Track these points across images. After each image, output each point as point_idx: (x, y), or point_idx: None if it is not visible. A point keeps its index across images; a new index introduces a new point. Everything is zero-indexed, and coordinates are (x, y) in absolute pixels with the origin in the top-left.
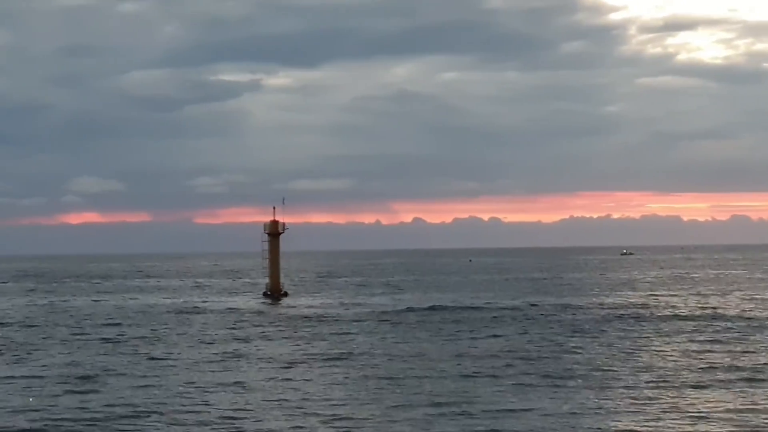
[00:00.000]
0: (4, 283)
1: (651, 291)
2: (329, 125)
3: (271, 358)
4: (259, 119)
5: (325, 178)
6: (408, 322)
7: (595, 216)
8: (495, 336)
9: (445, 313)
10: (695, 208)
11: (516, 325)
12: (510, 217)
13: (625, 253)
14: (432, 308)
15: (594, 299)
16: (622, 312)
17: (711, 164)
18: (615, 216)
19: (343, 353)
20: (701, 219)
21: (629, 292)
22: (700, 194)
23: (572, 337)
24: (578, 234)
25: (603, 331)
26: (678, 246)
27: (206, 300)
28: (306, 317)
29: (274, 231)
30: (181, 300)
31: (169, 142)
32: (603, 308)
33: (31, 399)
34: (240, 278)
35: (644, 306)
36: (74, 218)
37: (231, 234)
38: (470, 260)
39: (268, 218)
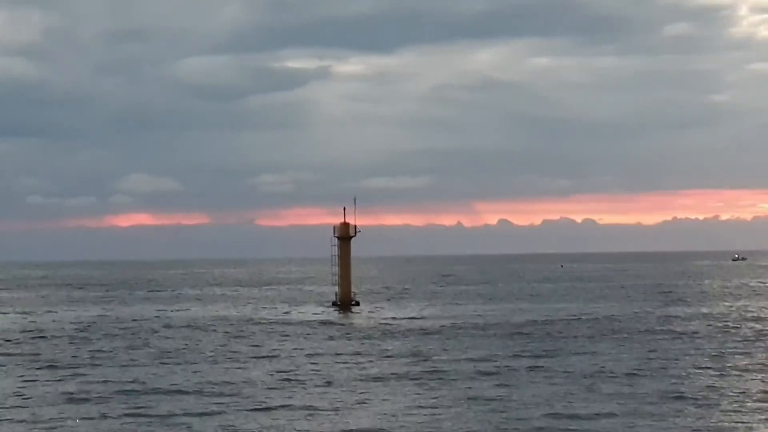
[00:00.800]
0: (43, 291)
1: None
2: (406, 117)
3: (344, 376)
4: (328, 110)
5: (401, 175)
6: (501, 335)
7: (701, 217)
8: (607, 353)
9: (546, 325)
10: None
11: (633, 341)
12: (606, 218)
13: (737, 258)
14: (531, 321)
15: (720, 310)
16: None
17: None
18: (723, 217)
19: (426, 371)
20: None
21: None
22: None
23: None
24: (682, 237)
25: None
26: None
27: (272, 310)
28: (381, 329)
29: (345, 234)
30: (244, 311)
31: (229, 135)
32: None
33: (77, 420)
34: (307, 286)
35: None
36: (124, 220)
37: (297, 237)
38: (562, 266)
39: (338, 220)
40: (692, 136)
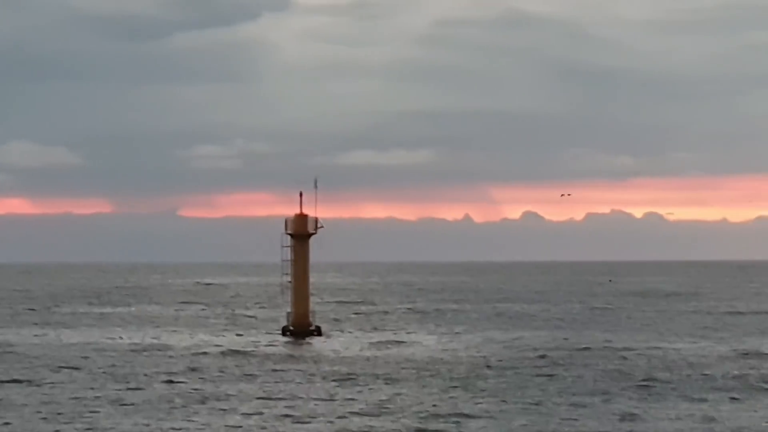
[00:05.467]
0: None
1: None
2: (396, 66)
3: None
4: (286, 55)
5: (390, 148)
6: (531, 375)
7: None
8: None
9: (598, 359)
10: None
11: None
12: (679, 212)
13: None
14: (583, 349)
15: None
16: None
17: None
18: None
19: None
20: None
21: None
22: None
23: None
24: None
25: None
26: None
27: (184, 339)
28: (349, 371)
29: (301, 230)
30: (150, 338)
31: (146, 89)
32: None
33: None
34: (245, 305)
35: None
36: None
37: (236, 233)
38: (610, 281)
39: (293, 210)
40: None
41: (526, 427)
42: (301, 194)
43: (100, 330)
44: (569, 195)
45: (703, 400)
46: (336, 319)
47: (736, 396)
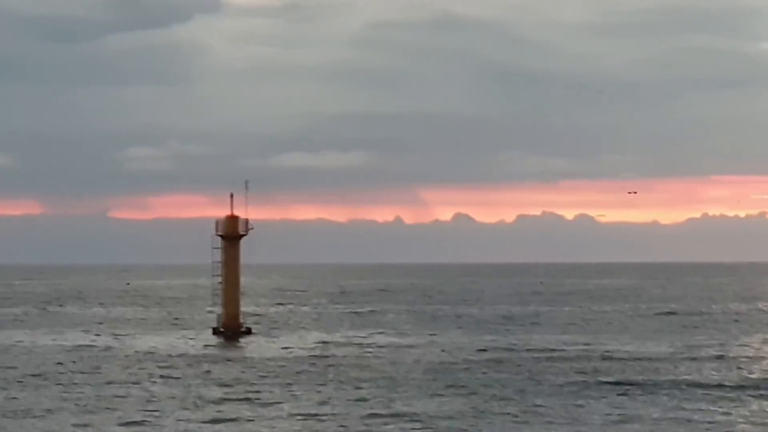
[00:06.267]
0: None
1: None
2: (330, 68)
3: None
4: (219, 57)
5: (322, 150)
6: (462, 376)
7: (742, 214)
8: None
9: (524, 361)
10: None
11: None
12: (610, 214)
13: None
14: (510, 350)
15: None
16: None
17: None
18: None
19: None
20: None
21: None
22: None
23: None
24: (714, 242)
25: None
26: None
27: (118, 339)
28: (279, 372)
29: (232, 232)
30: (81, 340)
31: (81, 90)
32: None
33: None
34: (178, 305)
35: None
36: None
37: (167, 235)
38: (541, 282)
39: (224, 212)
40: (732, 100)
41: (458, 427)
42: (231, 196)
43: (31, 332)
44: (635, 193)
45: (633, 397)
46: (267, 320)
47: (667, 392)
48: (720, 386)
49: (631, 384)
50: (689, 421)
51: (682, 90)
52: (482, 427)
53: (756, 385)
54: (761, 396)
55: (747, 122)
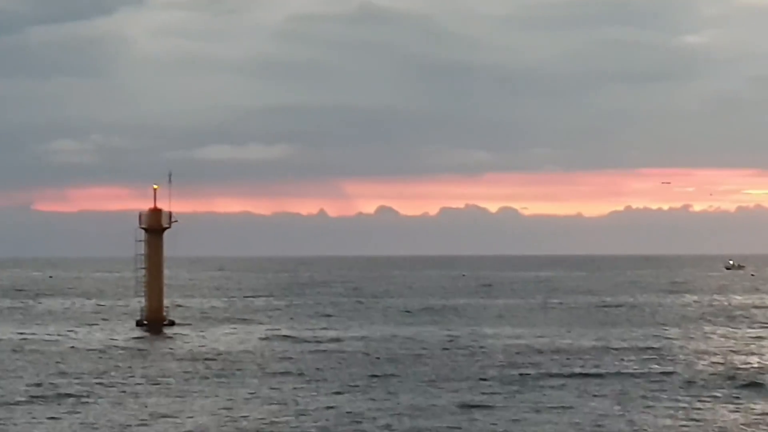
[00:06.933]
0: None
1: None
2: (253, 61)
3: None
4: (142, 50)
5: (246, 143)
6: (387, 366)
7: (665, 207)
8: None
9: (441, 352)
10: None
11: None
12: (533, 207)
13: (732, 267)
14: (426, 342)
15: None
16: None
17: None
18: (696, 207)
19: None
20: None
21: None
22: None
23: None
24: (637, 234)
25: None
26: None
27: (42, 332)
28: (203, 365)
29: (155, 225)
30: (1, 335)
31: (3, 82)
32: None
33: None
34: (102, 298)
35: None
36: None
37: (90, 227)
38: (463, 275)
39: (147, 205)
40: (655, 93)
41: (377, 419)
42: (155, 189)
43: None
44: (669, 183)
45: (559, 388)
46: (191, 313)
47: (589, 385)
48: (644, 375)
49: (557, 375)
50: (623, 414)
51: (605, 83)
52: (410, 422)
53: (679, 373)
54: (689, 384)
55: (670, 115)
